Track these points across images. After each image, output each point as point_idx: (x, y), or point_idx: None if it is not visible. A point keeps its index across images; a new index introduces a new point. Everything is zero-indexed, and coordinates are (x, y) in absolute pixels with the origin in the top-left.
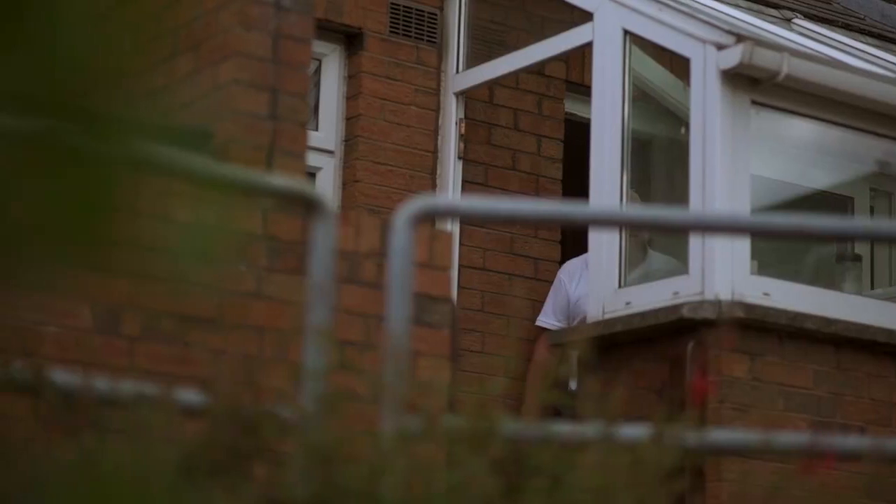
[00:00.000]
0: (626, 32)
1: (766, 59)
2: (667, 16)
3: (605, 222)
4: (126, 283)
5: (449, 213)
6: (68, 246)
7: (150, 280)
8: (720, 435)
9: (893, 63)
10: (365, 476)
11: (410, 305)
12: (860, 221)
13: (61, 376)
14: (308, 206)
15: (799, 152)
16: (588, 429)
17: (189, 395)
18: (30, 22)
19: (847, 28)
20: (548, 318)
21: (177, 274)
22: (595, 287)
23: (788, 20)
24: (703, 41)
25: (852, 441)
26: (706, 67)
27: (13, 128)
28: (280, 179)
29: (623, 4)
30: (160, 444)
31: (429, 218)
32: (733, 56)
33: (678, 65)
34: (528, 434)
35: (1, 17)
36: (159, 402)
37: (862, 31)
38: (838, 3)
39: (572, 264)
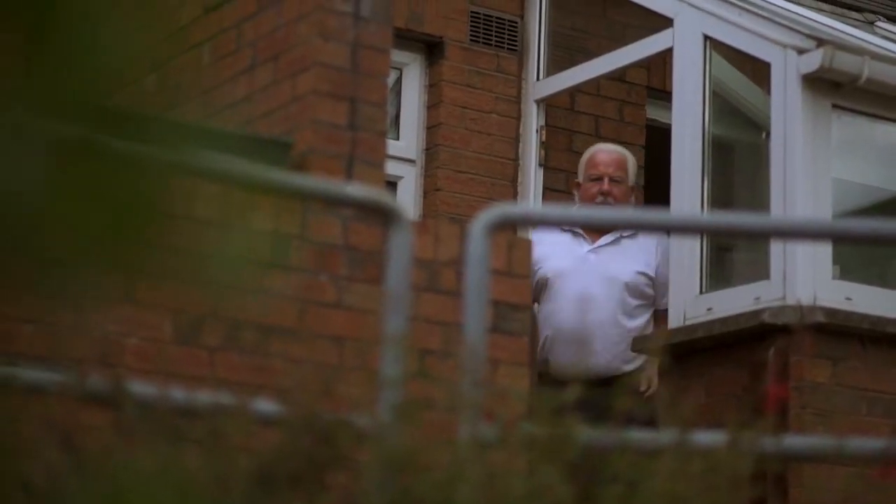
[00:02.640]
0: (706, 38)
1: (846, 62)
2: (747, 20)
3: (686, 229)
4: (196, 293)
5: (524, 221)
6: (128, 256)
7: (217, 288)
8: (796, 441)
9: None
10: (441, 484)
11: (489, 313)
12: None
13: (140, 387)
14: (385, 215)
15: (880, 155)
16: (663, 435)
17: (265, 405)
18: (75, 28)
19: None
20: None
21: (242, 282)
22: (676, 293)
23: (871, 23)
24: (784, 45)
25: None
26: (787, 72)
27: (50, 133)
28: (357, 189)
29: (703, 10)
30: (237, 454)
31: (508, 226)
32: (814, 60)
33: (758, 70)
34: (604, 441)
35: (49, 23)
36: (236, 411)
37: None
38: None
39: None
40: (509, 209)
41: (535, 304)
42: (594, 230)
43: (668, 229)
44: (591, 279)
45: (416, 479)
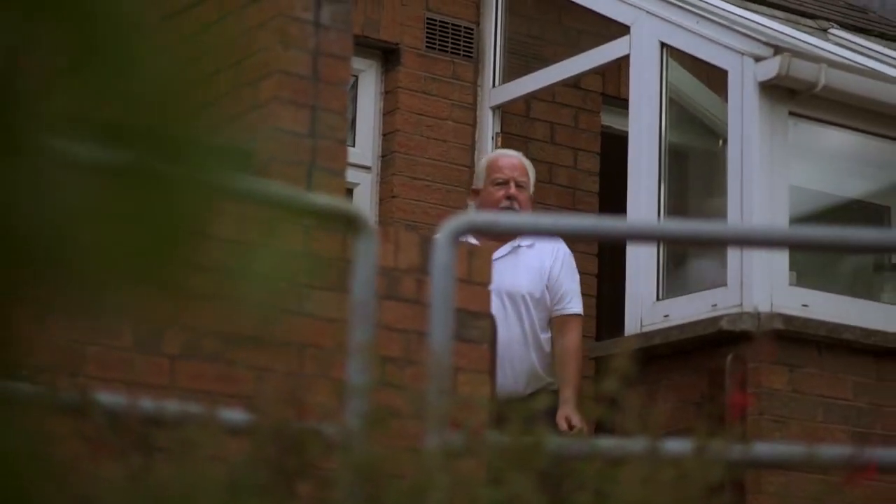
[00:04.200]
0: (662, 45)
1: (803, 70)
2: (704, 28)
3: (644, 237)
4: (208, 309)
5: (490, 229)
6: (151, 273)
7: (229, 304)
8: (764, 449)
9: None
10: (410, 493)
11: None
12: None
13: (106, 396)
14: (350, 223)
15: (835, 162)
16: (632, 443)
17: (233, 414)
18: (108, 50)
19: (883, 37)
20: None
21: (252, 298)
22: (632, 300)
23: (825, 30)
24: (741, 53)
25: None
26: (744, 79)
27: (93, 157)
28: (322, 197)
29: (660, 17)
30: (206, 463)
31: (469, 234)
32: (771, 68)
33: (715, 77)
34: (573, 449)
35: (81, 47)
36: (204, 420)
37: None
38: (874, 13)
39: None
40: (475, 217)
41: None
42: (492, 239)
43: (624, 237)
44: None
45: (386, 487)
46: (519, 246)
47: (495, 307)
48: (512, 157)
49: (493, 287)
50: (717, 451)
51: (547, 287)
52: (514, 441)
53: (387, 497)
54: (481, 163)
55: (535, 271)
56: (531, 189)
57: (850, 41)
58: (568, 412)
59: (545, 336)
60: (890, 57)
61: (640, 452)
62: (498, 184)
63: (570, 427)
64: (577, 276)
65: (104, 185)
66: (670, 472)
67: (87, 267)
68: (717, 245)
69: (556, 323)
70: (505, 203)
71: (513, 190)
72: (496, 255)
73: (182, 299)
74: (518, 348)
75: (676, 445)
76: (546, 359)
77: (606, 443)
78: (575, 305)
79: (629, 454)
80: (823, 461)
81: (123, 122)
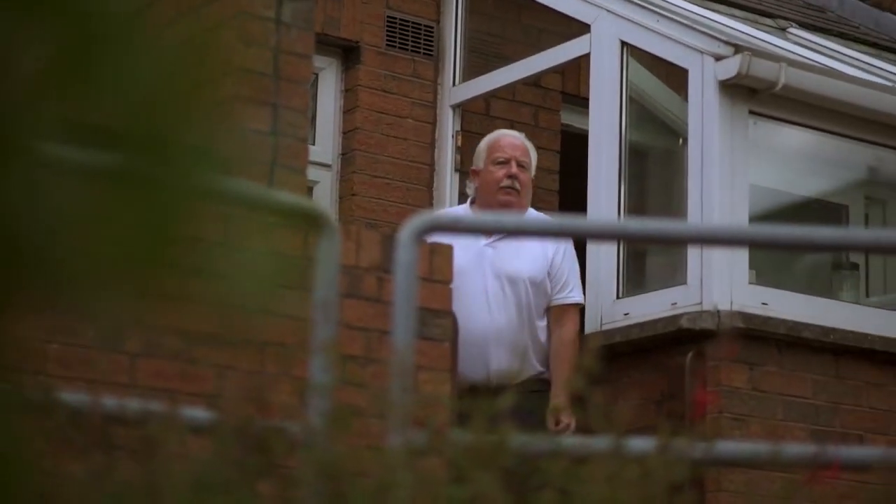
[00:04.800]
0: (623, 44)
1: (763, 69)
2: (665, 27)
3: (605, 235)
4: (187, 310)
5: (453, 228)
6: (139, 276)
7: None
8: (727, 447)
9: (888, 71)
10: (374, 492)
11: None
12: (862, 232)
13: (69, 394)
14: (313, 222)
15: (794, 161)
16: (596, 441)
17: (196, 412)
18: (102, 55)
19: (842, 37)
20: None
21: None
22: (593, 298)
23: (784, 29)
24: (702, 52)
25: (859, 451)
26: (704, 78)
27: (83, 161)
28: (286, 196)
29: (620, 16)
30: (169, 462)
31: (432, 232)
32: (731, 67)
33: (675, 76)
34: (537, 447)
35: (74, 52)
36: (168, 419)
37: (856, 40)
38: (832, 13)
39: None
40: (438, 215)
41: None
42: None
43: (585, 236)
44: (491, 277)
45: (349, 486)
46: None
47: (494, 290)
48: (514, 138)
49: (494, 270)
50: (680, 450)
51: (549, 274)
52: (477, 439)
53: (350, 496)
54: (482, 143)
55: (539, 257)
56: (532, 171)
57: (810, 40)
58: (559, 409)
59: (541, 324)
60: (849, 56)
61: (604, 451)
62: (499, 163)
63: (557, 423)
64: (577, 266)
65: (94, 189)
66: (635, 470)
67: (77, 270)
68: (677, 243)
69: (555, 312)
70: (506, 182)
71: (514, 169)
72: (497, 235)
73: (168, 301)
74: (514, 333)
75: (639, 444)
76: (539, 347)
77: (571, 441)
78: (576, 294)
79: (593, 452)
80: (786, 459)
81: (113, 125)
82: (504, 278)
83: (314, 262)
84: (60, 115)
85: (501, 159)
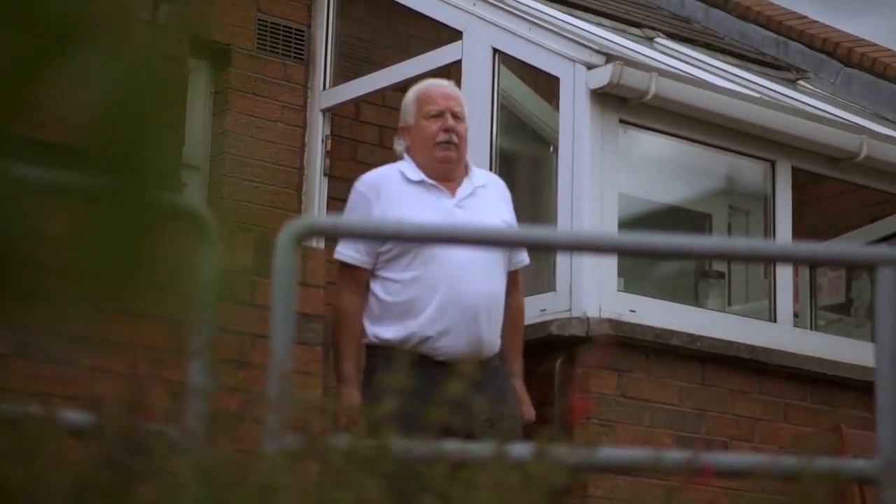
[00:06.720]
0: (495, 51)
1: (634, 78)
2: (536, 35)
3: (475, 241)
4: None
5: (332, 233)
6: (104, 291)
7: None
8: (608, 453)
9: (753, 82)
10: (254, 497)
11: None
12: (728, 241)
13: None
14: (193, 224)
15: (661, 170)
16: (477, 447)
17: (74, 415)
18: (69, 71)
19: (708, 47)
20: (347, 250)
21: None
22: None
23: (651, 39)
24: (573, 60)
25: (729, 458)
26: (575, 87)
27: (45, 178)
28: (169, 197)
29: (492, 23)
30: (49, 466)
31: (310, 237)
32: (603, 76)
33: (546, 84)
34: (419, 452)
35: (41, 68)
36: (46, 422)
37: (722, 51)
38: (698, 24)
39: (378, 176)
40: (317, 220)
41: (375, 275)
42: (445, 178)
43: (456, 242)
44: None
45: (230, 491)
46: (476, 186)
47: (480, 253)
48: (444, 87)
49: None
50: (558, 455)
51: None
52: (358, 444)
53: (231, 501)
54: (408, 96)
55: (505, 213)
56: (467, 123)
57: (677, 50)
58: (524, 398)
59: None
60: (715, 67)
61: (485, 456)
62: (432, 116)
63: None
64: None
65: (57, 206)
66: (515, 475)
67: (44, 287)
68: (547, 250)
69: (511, 276)
70: (443, 137)
71: (450, 122)
72: (460, 194)
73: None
74: (499, 302)
75: (517, 449)
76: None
77: (452, 446)
78: (525, 255)
79: (475, 457)
80: (662, 466)
81: (76, 141)
82: None
83: (192, 264)
84: (24, 131)
85: (434, 112)
